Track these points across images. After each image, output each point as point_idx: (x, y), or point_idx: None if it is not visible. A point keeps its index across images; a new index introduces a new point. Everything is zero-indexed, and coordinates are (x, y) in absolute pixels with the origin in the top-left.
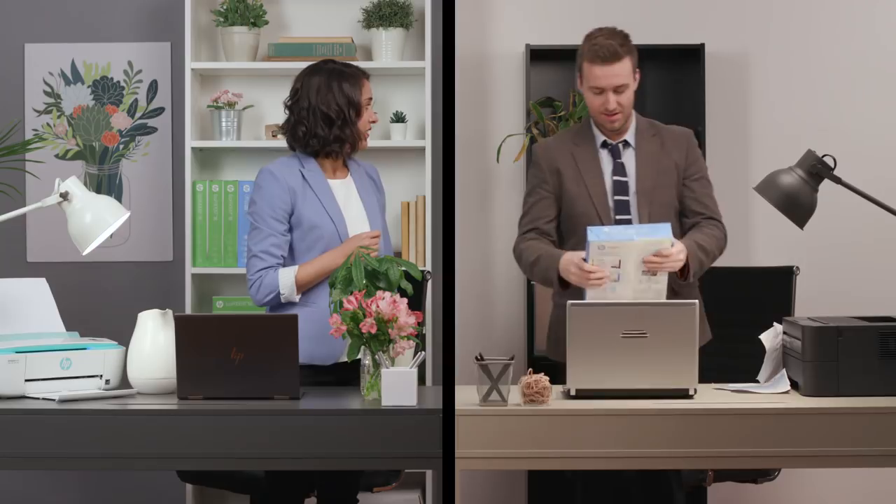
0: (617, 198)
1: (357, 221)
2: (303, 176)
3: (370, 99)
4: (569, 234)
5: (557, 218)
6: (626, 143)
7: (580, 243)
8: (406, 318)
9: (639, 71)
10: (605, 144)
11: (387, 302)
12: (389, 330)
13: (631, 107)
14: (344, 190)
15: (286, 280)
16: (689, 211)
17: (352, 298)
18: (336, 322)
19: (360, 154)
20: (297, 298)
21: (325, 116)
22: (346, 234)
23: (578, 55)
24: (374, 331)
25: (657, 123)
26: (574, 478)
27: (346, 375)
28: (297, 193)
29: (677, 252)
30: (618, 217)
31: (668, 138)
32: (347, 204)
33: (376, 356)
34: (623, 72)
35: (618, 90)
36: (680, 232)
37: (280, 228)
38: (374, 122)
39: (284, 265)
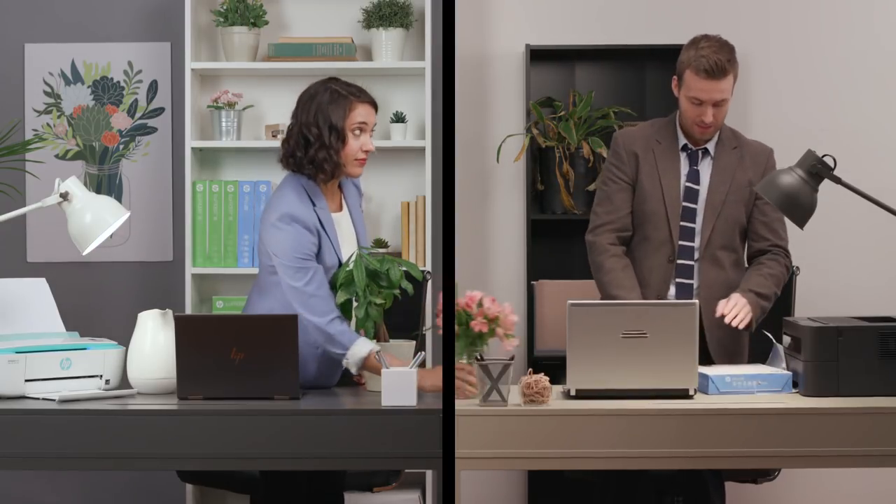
0: (685, 204)
1: (350, 249)
2: (318, 216)
3: (364, 124)
4: (636, 228)
5: (632, 211)
6: (705, 151)
7: (643, 240)
8: (510, 317)
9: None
10: (685, 148)
11: (489, 300)
12: (496, 329)
13: (724, 120)
14: (343, 223)
15: (359, 352)
16: (757, 235)
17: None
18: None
19: None
20: (354, 372)
21: (304, 138)
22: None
23: (681, 61)
24: (485, 329)
25: (740, 135)
26: (595, 479)
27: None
28: (320, 235)
29: (740, 306)
30: (682, 223)
31: (748, 153)
32: (344, 238)
33: (376, 356)
34: (727, 87)
35: (717, 104)
36: (743, 252)
37: (320, 268)
38: (367, 150)
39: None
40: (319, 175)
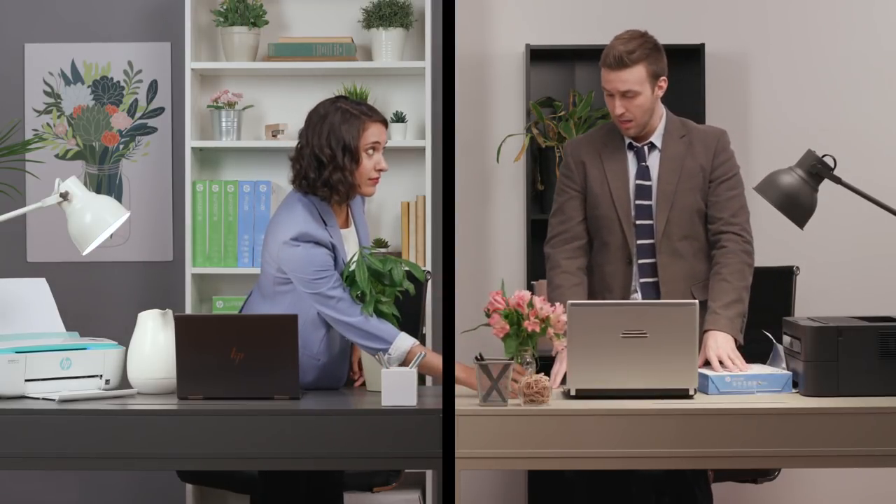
0: (639, 202)
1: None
2: (329, 235)
3: (377, 143)
4: (593, 235)
5: (587, 218)
6: (652, 146)
7: (602, 246)
8: (562, 317)
9: (664, 78)
10: (631, 146)
11: (539, 300)
12: (548, 329)
13: (647, 115)
14: (351, 237)
15: (403, 346)
16: (711, 217)
17: (498, 297)
18: (498, 322)
19: None
20: (391, 365)
21: (317, 159)
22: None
23: None
24: (538, 329)
25: (689, 123)
26: (576, 478)
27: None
28: (334, 251)
29: (724, 355)
30: (638, 222)
31: (697, 139)
32: (350, 251)
33: (377, 356)
34: (631, 78)
35: (626, 95)
36: (705, 239)
37: (335, 271)
38: (381, 170)
39: None
40: (334, 197)
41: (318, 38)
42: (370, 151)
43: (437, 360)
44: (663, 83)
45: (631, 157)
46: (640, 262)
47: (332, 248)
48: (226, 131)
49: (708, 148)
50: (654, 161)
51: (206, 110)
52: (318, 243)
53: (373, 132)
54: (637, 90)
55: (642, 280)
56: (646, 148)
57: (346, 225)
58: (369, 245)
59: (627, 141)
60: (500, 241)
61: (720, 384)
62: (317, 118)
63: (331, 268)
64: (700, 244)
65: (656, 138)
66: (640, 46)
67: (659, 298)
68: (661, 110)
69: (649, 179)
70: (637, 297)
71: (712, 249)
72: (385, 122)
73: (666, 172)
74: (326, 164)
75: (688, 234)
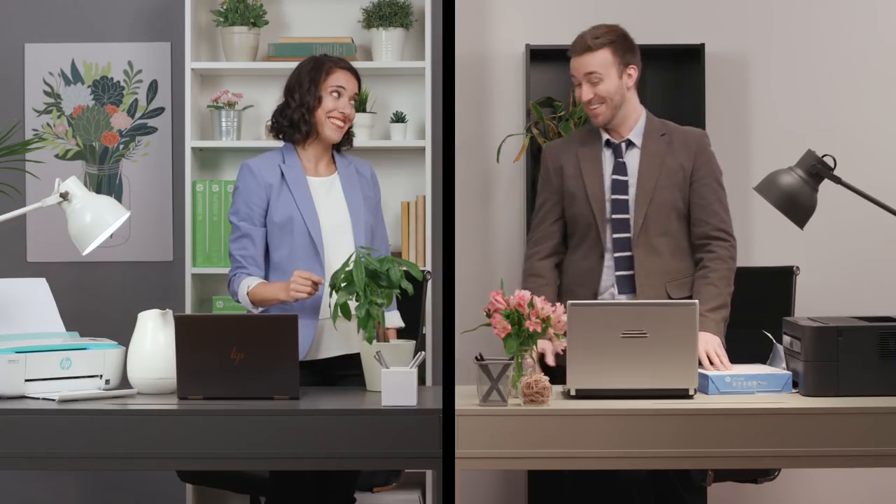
0: (615, 197)
1: (338, 220)
2: (281, 171)
3: (342, 87)
4: (570, 234)
5: (563, 218)
6: (630, 143)
7: (581, 243)
8: (562, 318)
9: (634, 67)
10: (608, 143)
11: (540, 300)
12: (548, 329)
13: (617, 100)
14: (325, 187)
15: (242, 291)
16: (697, 219)
17: (498, 297)
18: (500, 322)
19: (361, 153)
20: (252, 309)
21: (287, 104)
22: (319, 233)
23: None
24: (539, 329)
25: (670, 124)
26: (569, 476)
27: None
28: (273, 189)
29: (711, 350)
30: (614, 216)
31: (678, 139)
32: (327, 202)
33: (376, 355)
34: (594, 62)
35: (590, 79)
36: (687, 241)
37: (252, 229)
38: (345, 113)
39: (260, 264)
40: (296, 135)
41: (318, 38)
42: (334, 94)
43: (265, 290)
44: (632, 72)
45: (608, 154)
46: (617, 255)
47: (272, 186)
48: (226, 131)
49: (688, 147)
50: (632, 158)
51: (206, 110)
52: (253, 180)
53: (338, 77)
54: (600, 73)
55: (618, 273)
56: (623, 145)
57: (322, 175)
58: (364, 235)
59: (605, 139)
60: (500, 241)
61: (720, 384)
62: (293, 72)
63: (247, 219)
64: (677, 242)
65: (635, 136)
66: (606, 33)
67: (634, 292)
68: (640, 109)
69: (626, 175)
70: (614, 291)
71: (697, 252)
72: (356, 74)
73: (647, 169)
74: (293, 105)
75: (665, 232)
